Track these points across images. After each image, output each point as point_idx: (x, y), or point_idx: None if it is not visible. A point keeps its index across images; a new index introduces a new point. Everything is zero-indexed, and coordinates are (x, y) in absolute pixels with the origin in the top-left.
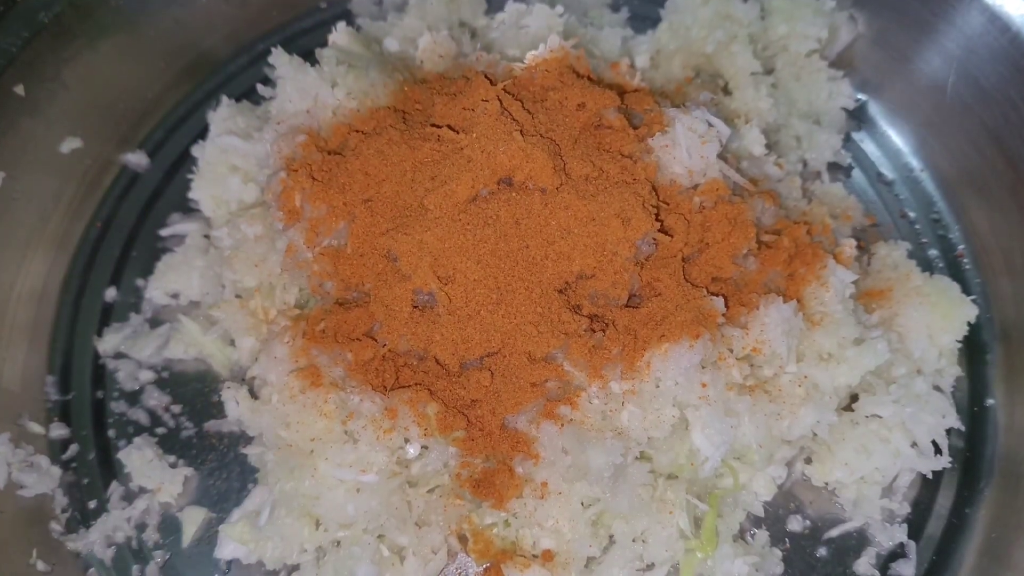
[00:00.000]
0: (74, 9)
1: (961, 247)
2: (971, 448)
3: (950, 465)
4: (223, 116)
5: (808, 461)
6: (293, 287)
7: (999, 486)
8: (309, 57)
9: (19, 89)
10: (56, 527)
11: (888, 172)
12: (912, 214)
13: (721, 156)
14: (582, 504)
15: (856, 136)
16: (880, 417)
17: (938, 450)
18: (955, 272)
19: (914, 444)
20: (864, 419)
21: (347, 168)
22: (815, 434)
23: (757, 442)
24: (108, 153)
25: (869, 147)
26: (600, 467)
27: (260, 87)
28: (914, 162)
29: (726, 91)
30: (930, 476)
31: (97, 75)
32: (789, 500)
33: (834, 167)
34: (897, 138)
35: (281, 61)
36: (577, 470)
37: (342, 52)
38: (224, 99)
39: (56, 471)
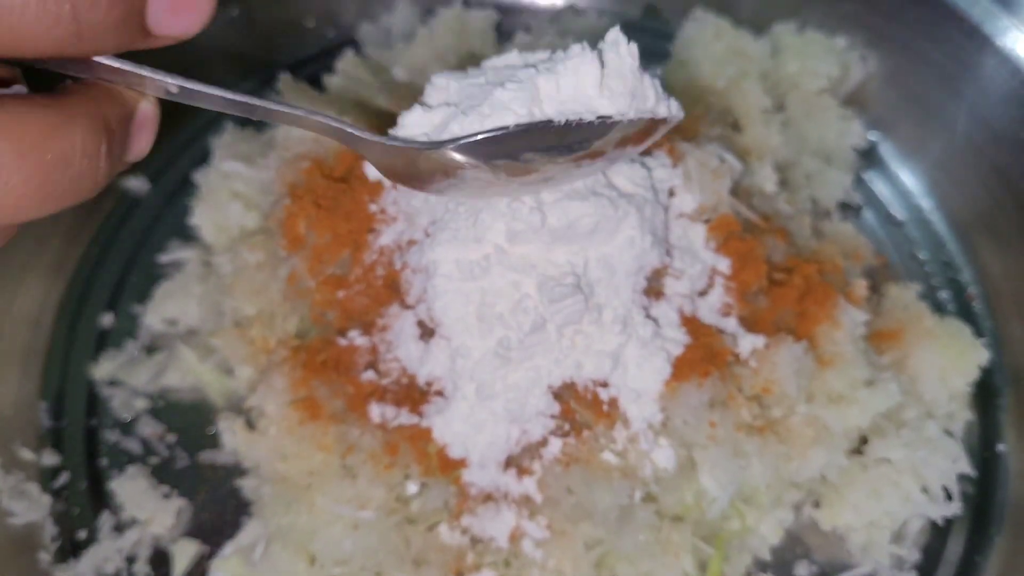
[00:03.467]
0: None
1: (972, 289)
2: (982, 494)
3: (961, 512)
4: (226, 142)
5: (816, 505)
6: (294, 316)
7: (1010, 533)
8: (315, 84)
9: None
10: (45, 557)
11: (899, 213)
12: (923, 255)
13: (732, 192)
14: (585, 545)
15: (867, 176)
16: (890, 461)
17: (949, 496)
18: (966, 315)
19: (924, 489)
20: (874, 462)
21: (353, 196)
22: (824, 477)
23: (765, 484)
24: None
25: (880, 187)
26: (606, 508)
27: None
28: (925, 203)
29: (736, 127)
30: (941, 522)
31: None
32: (796, 544)
33: (844, 206)
34: (908, 179)
35: (287, 87)
36: (581, 510)
37: (349, 79)
38: (229, 125)
39: (46, 499)
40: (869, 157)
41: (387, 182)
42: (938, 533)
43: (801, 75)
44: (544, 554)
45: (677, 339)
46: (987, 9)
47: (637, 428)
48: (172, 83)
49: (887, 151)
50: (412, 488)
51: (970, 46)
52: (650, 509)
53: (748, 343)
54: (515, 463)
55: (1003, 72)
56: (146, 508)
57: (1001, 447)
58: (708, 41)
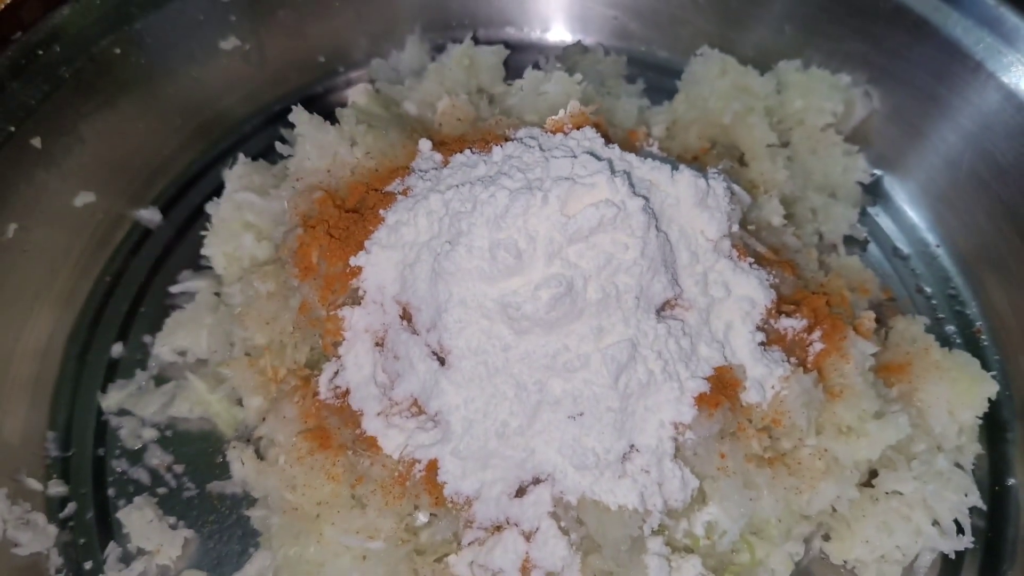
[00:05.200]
0: (94, 65)
1: (979, 324)
2: (992, 528)
3: (972, 545)
4: (239, 173)
5: (827, 538)
6: (304, 346)
7: (1021, 568)
8: (327, 118)
9: (36, 142)
10: None
11: (904, 247)
12: (929, 289)
13: (741, 224)
14: None
15: (872, 210)
16: (901, 494)
17: (960, 529)
18: (973, 349)
19: (936, 522)
20: (884, 495)
21: (364, 227)
22: (834, 510)
23: (776, 516)
24: (121, 209)
25: (885, 221)
26: (617, 540)
27: (278, 145)
28: (930, 237)
29: (742, 162)
30: (952, 556)
31: (114, 131)
32: None
33: (850, 240)
34: (913, 213)
35: (301, 119)
36: (592, 542)
37: (361, 111)
38: (240, 157)
39: (52, 530)
40: (874, 192)
41: None
42: (949, 567)
43: (806, 111)
44: None
45: (693, 372)
46: (991, 45)
47: (648, 458)
48: None
49: (892, 186)
50: (421, 518)
51: (974, 82)
52: (660, 541)
53: (758, 374)
54: (526, 492)
55: (1007, 107)
56: (153, 539)
57: (1011, 481)
58: (714, 77)
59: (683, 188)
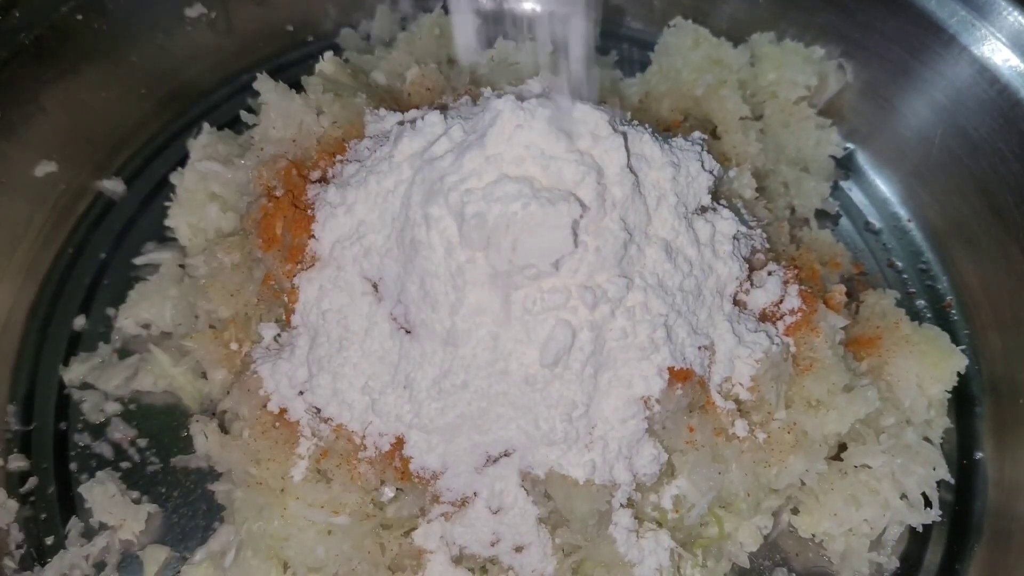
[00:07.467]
0: (56, 32)
1: (949, 298)
2: (960, 502)
3: (940, 519)
4: (203, 143)
5: (795, 511)
6: (269, 318)
7: (989, 542)
8: (295, 88)
9: None
10: (10, 564)
11: (876, 221)
12: (900, 264)
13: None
14: (563, 551)
15: (844, 184)
16: (869, 467)
17: (928, 503)
18: (943, 323)
19: (904, 496)
20: (853, 469)
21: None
22: (803, 483)
23: (744, 490)
24: (83, 179)
25: (857, 196)
26: (584, 514)
27: (243, 114)
28: (902, 212)
29: (714, 135)
30: (920, 530)
31: (76, 99)
32: (775, 552)
33: (822, 215)
34: (885, 187)
35: (266, 87)
36: (560, 516)
37: (329, 80)
38: (205, 126)
39: (13, 505)
40: (846, 166)
41: None
42: (917, 541)
43: (779, 84)
44: (522, 560)
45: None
46: (964, 19)
47: (618, 432)
48: None
49: (864, 160)
50: (388, 493)
51: (947, 56)
52: (628, 514)
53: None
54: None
55: (980, 81)
56: (116, 513)
57: (979, 455)
58: (687, 49)
59: (659, 156)
